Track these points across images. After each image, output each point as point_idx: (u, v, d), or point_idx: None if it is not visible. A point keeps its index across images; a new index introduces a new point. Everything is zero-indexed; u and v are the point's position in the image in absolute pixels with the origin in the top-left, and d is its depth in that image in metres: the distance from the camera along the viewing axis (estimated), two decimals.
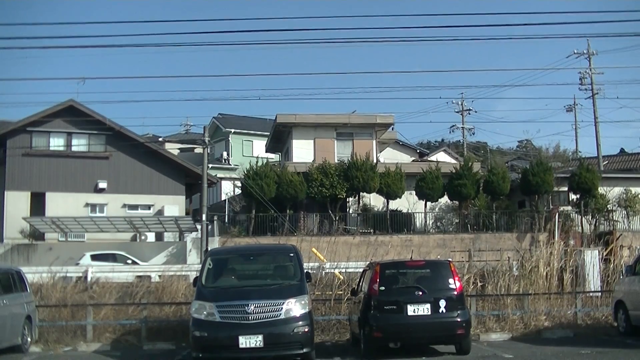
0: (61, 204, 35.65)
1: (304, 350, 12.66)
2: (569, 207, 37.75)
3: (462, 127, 63.95)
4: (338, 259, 23.18)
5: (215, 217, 36.85)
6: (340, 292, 18.85)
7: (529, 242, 32.67)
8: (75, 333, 17.33)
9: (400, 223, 36.54)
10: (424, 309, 13.32)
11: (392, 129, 44.10)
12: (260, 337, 12.22)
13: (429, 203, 37.35)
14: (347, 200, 37.67)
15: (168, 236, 36.01)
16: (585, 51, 51.82)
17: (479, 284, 19.36)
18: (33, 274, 20.25)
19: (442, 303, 13.37)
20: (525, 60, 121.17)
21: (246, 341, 12.21)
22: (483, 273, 20.10)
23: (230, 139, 55.14)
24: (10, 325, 14.78)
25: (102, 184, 36.49)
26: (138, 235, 35.88)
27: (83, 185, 36.47)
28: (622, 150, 55.34)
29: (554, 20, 45.79)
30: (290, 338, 12.51)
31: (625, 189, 38.10)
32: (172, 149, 46.68)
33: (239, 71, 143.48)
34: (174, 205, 37.12)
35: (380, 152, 43.76)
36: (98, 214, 36.01)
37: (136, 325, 17.56)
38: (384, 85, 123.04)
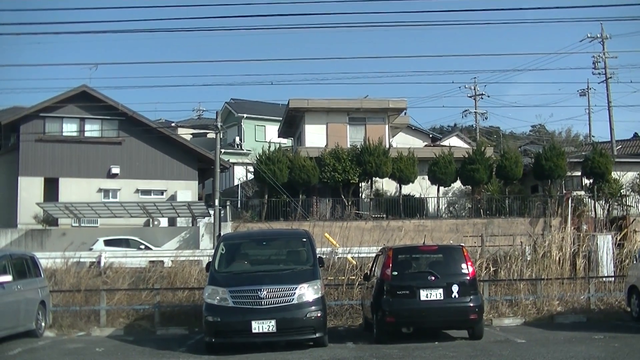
0: (74, 189, 35.77)
1: (317, 335, 12.72)
2: (582, 192, 37.55)
3: (475, 112, 63.58)
4: (350, 244, 23.18)
5: (228, 202, 36.84)
6: (353, 277, 18.86)
7: (541, 227, 32.51)
8: (88, 318, 17.46)
9: (413, 208, 36.45)
10: (437, 294, 13.32)
11: (405, 113, 43.94)
12: (272, 322, 12.27)
13: (441, 188, 37.25)
14: (360, 185, 37.60)
15: (181, 221, 36.08)
16: (599, 35, 51.22)
17: (492, 269, 19.32)
18: (47, 259, 20.37)
19: (455, 288, 13.36)
20: (538, 45, 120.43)
21: (259, 326, 12.27)
22: (496, 258, 20.09)
23: (242, 124, 55.06)
24: (25, 311, 14.89)
25: (115, 169, 36.54)
26: (151, 220, 35.99)
27: (96, 170, 36.52)
28: (635, 135, 54.93)
29: (567, 4, 45.46)
30: (302, 323, 12.56)
31: (638, 174, 37.80)
32: (185, 134, 46.71)
33: (252, 56, 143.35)
34: (186, 191, 37.12)
35: (393, 137, 43.62)
36: (111, 200, 36.07)
37: (149, 310, 17.69)
38: (397, 70, 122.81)
